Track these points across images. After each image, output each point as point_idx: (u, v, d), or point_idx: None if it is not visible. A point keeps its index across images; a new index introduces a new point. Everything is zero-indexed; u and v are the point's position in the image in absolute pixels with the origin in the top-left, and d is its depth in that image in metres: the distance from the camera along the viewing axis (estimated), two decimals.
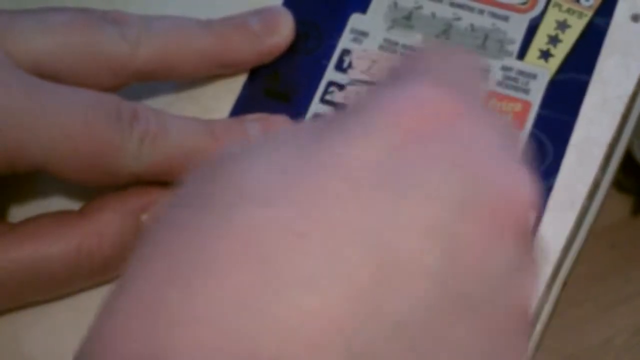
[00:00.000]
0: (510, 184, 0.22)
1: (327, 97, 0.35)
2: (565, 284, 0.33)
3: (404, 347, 0.20)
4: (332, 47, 0.35)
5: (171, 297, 0.20)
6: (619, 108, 0.34)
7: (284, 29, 0.35)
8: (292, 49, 0.35)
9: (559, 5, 0.35)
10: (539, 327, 0.32)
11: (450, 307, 0.21)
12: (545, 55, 0.35)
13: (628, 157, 0.55)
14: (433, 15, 0.36)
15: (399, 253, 0.20)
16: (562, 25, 0.35)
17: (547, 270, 0.32)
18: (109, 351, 0.20)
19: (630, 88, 0.34)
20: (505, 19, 0.35)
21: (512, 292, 0.22)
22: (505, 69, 0.34)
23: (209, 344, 0.19)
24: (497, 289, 0.22)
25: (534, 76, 0.34)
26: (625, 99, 0.34)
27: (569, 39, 0.35)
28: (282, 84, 0.35)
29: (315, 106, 0.35)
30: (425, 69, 0.24)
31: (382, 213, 0.20)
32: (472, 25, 0.35)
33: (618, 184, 0.60)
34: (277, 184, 0.21)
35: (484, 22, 0.35)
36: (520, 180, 0.22)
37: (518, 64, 0.35)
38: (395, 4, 0.36)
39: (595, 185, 0.33)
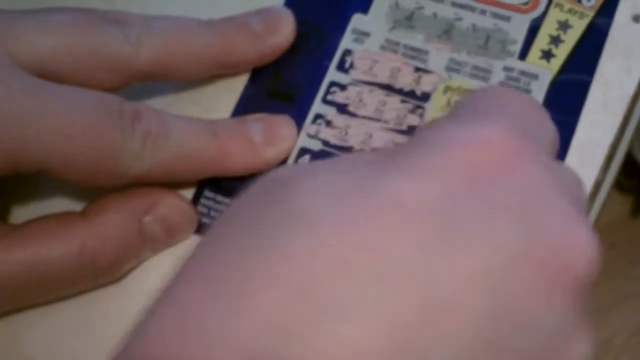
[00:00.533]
0: (568, 242, 0.22)
1: (329, 97, 0.35)
2: None
3: None
4: (334, 48, 0.35)
5: (212, 314, 0.20)
6: (621, 109, 0.34)
7: (285, 29, 0.35)
8: (294, 50, 0.35)
9: (560, 6, 0.35)
10: None
11: (492, 355, 0.20)
12: (547, 55, 0.35)
13: (629, 158, 0.55)
14: (434, 15, 0.36)
15: (447, 296, 0.20)
16: (564, 26, 0.35)
17: None
18: None
19: (631, 89, 0.34)
20: (507, 19, 0.35)
21: (558, 350, 0.22)
22: (507, 69, 0.34)
23: None
24: (542, 345, 0.21)
25: (535, 76, 0.34)
26: (626, 100, 0.34)
27: (570, 39, 0.35)
28: (283, 85, 0.35)
29: (317, 106, 0.35)
30: (488, 109, 0.24)
31: (434, 254, 0.20)
32: (473, 26, 0.35)
33: (618, 184, 0.60)
34: (333, 214, 0.21)
35: (486, 22, 0.35)
36: (581, 240, 0.22)
37: (520, 64, 0.35)
38: (397, 5, 0.36)
39: (597, 186, 0.33)
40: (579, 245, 0.22)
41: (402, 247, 0.20)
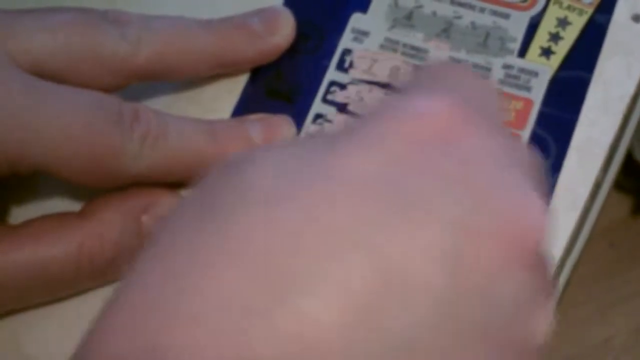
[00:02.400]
0: (520, 209, 0.21)
1: (329, 97, 0.35)
2: (567, 284, 0.33)
3: None
4: (333, 47, 0.35)
5: (169, 296, 0.20)
6: (620, 109, 0.34)
7: (285, 29, 0.35)
8: (293, 49, 0.35)
9: (559, 3, 0.35)
10: None
11: (452, 330, 0.20)
12: (547, 52, 0.35)
13: (628, 157, 0.55)
14: (434, 14, 0.36)
15: (403, 268, 0.20)
16: (563, 23, 0.35)
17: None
18: (106, 348, 0.20)
19: (631, 89, 0.34)
20: (506, 16, 0.35)
21: (520, 322, 0.22)
22: (506, 67, 0.34)
23: (206, 346, 0.19)
24: (501, 317, 0.21)
25: (535, 74, 0.34)
26: (626, 100, 0.34)
27: (570, 36, 0.35)
28: (283, 84, 0.35)
29: (317, 106, 0.35)
30: (437, 82, 0.24)
31: (386, 225, 0.20)
32: (472, 24, 0.35)
33: (618, 184, 0.60)
34: (279, 188, 0.21)
35: (485, 20, 0.35)
36: (531, 206, 0.22)
37: (519, 62, 0.35)
38: (396, 3, 0.36)
39: (597, 186, 0.33)
40: (529, 213, 0.22)
41: (353, 219, 0.20)
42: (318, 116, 0.34)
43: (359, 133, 0.22)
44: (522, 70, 0.34)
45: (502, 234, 0.21)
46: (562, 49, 0.35)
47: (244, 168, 0.21)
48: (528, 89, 0.34)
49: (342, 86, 0.35)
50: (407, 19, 0.36)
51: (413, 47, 0.35)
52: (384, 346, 0.19)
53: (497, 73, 0.34)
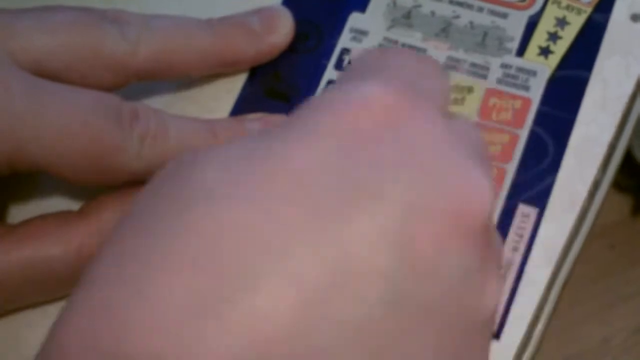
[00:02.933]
0: (463, 185, 0.22)
1: None
2: (565, 284, 0.33)
3: (357, 350, 0.20)
4: (332, 47, 0.36)
5: (123, 299, 0.20)
6: (619, 108, 0.34)
7: (284, 28, 0.35)
8: (292, 49, 0.35)
9: (558, 2, 0.35)
10: (539, 327, 0.32)
11: (405, 310, 0.20)
12: (545, 52, 0.35)
13: (628, 157, 0.55)
14: (432, 13, 0.36)
15: (351, 255, 0.20)
16: (561, 22, 0.35)
17: (547, 270, 0.32)
18: (63, 352, 0.20)
19: (630, 88, 0.34)
20: (504, 16, 0.35)
21: (470, 294, 0.22)
22: (504, 66, 0.35)
23: (165, 352, 0.19)
24: (454, 292, 0.21)
25: (533, 73, 0.34)
26: (625, 99, 0.34)
27: (568, 35, 0.35)
28: (282, 84, 0.35)
29: None
30: (379, 68, 0.24)
31: (331, 215, 0.20)
32: (471, 23, 0.35)
33: (617, 184, 0.60)
34: (225, 185, 0.21)
35: (483, 19, 0.35)
36: (475, 182, 0.22)
37: (517, 61, 0.35)
38: (395, 3, 0.36)
39: (596, 185, 0.33)
40: (474, 190, 0.22)
41: (298, 212, 0.20)
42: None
43: (303, 124, 0.22)
44: (520, 69, 0.34)
45: (446, 211, 0.21)
46: (560, 49, 0.35)
47: (192, 165, 0.22)
48: (526, 88, 0.34)
49: None
50: (406, 18, 0.36)
51: (412, 47, 0.35)
52: (337, 336, 0.20)
53: (496, 72, 0.34)
